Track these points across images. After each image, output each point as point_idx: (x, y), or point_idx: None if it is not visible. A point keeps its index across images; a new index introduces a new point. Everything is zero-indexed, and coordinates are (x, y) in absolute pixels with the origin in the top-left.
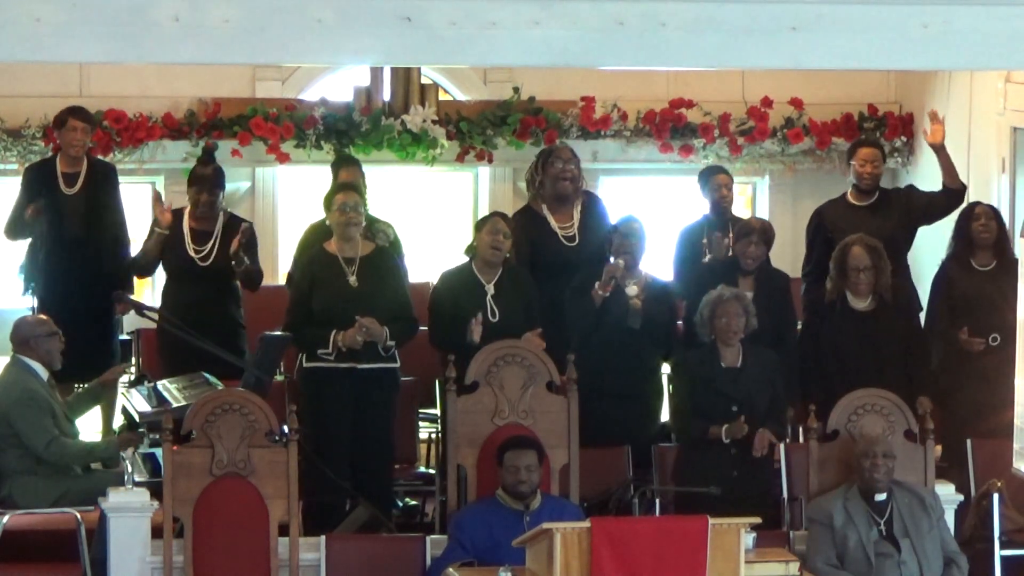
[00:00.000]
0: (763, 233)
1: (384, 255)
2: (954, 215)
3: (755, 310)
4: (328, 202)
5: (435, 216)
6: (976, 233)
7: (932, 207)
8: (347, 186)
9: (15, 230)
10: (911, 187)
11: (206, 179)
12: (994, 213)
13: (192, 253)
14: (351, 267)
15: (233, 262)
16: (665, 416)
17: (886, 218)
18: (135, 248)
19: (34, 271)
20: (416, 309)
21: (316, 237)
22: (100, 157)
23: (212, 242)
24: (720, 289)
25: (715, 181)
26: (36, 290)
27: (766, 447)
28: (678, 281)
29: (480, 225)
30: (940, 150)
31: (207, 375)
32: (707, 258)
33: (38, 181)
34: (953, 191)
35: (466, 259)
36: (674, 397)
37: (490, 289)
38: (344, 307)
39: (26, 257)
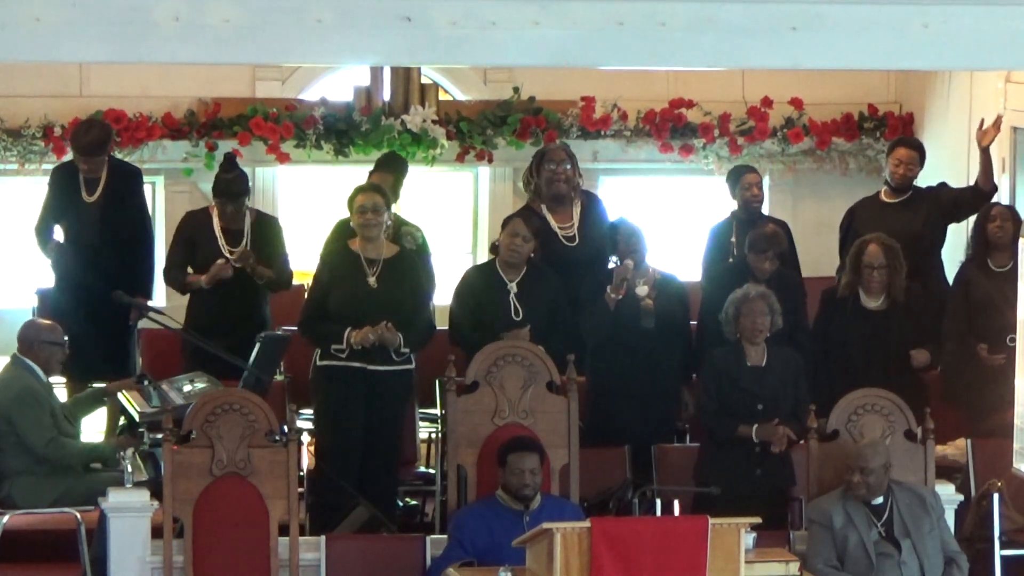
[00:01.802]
0: (778, 247)
1: (408, 259)
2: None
3: (780, 309)
4: (350, 202)
5: (435, 216)
6: (992, 234)
7: (959, 204)
8: (369, 187)
9: (42, 238)
10: (943, 184)
11: (230, 190)
12: (1011, 214)
13: (227, 254)
14: (373, 268)
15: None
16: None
17: (914, 214)
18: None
19: (56, 272)
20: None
21: (342, 234)
22: (123, 160)
23: (244, 243)
24: (746, 288)
25: (745, 180)
26: (55, 291)
27: (784, 443)
28: (706, 279)
29: (504, 225)
30: (984, 150)
31: (208, 375)
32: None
33: (62, 184)
34: (982, 191)
35: (490, 257)
36: (700, 395)
37: (513, 287)
38: (361, 307)
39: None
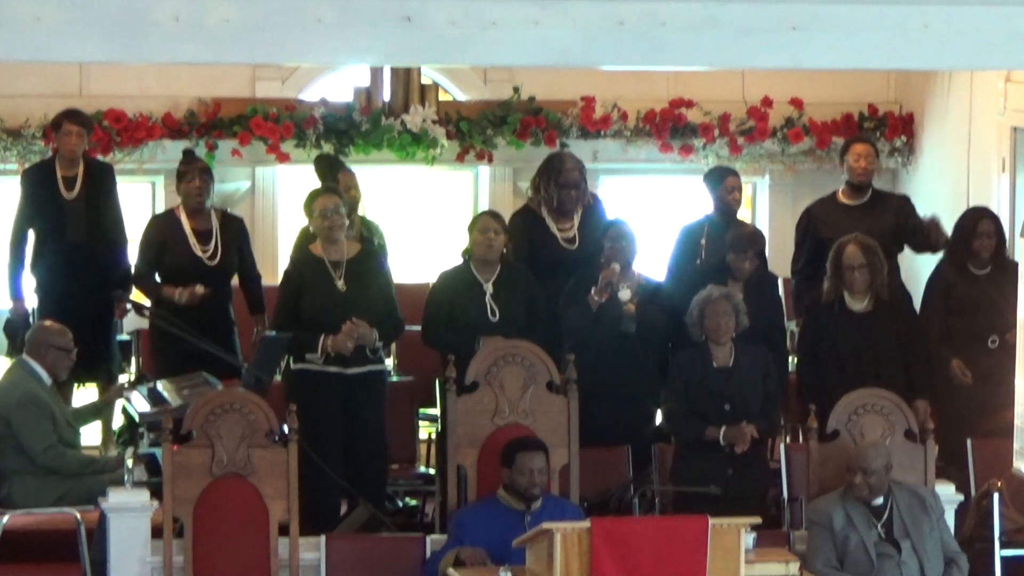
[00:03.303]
0: (758, 246)
1: (370, 256)
2: (954, 216)
3: (745, 308)
4: (309, 207)
5: (435, 216)
6: (975, 249)
7: (913, 238)
8: (326, 189)
9: (17, 250)
10: (907, 200)
11: (193, 169)
12: (995, 229)
13: (199, 253)
14: (338, 271)
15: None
16: (659, 418)
17: (877, 219)
18: (132, 248)
19: (36, 273)
20: (413, 309)
21: (307, 239)
22: (97, 157)
23: (214, 241)
24: (709, 289)
25: (728, 183)
26: (37, 293)
27: (748, 442)
28: (671, 278)
29: (472, 226)
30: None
31: (207, 375)
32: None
33: (37, 184)
34: (931, 245)
35: (463, 261)
36: (668, 397)
37: (488, 288)
38: (333, 311)
39: (31, 260)
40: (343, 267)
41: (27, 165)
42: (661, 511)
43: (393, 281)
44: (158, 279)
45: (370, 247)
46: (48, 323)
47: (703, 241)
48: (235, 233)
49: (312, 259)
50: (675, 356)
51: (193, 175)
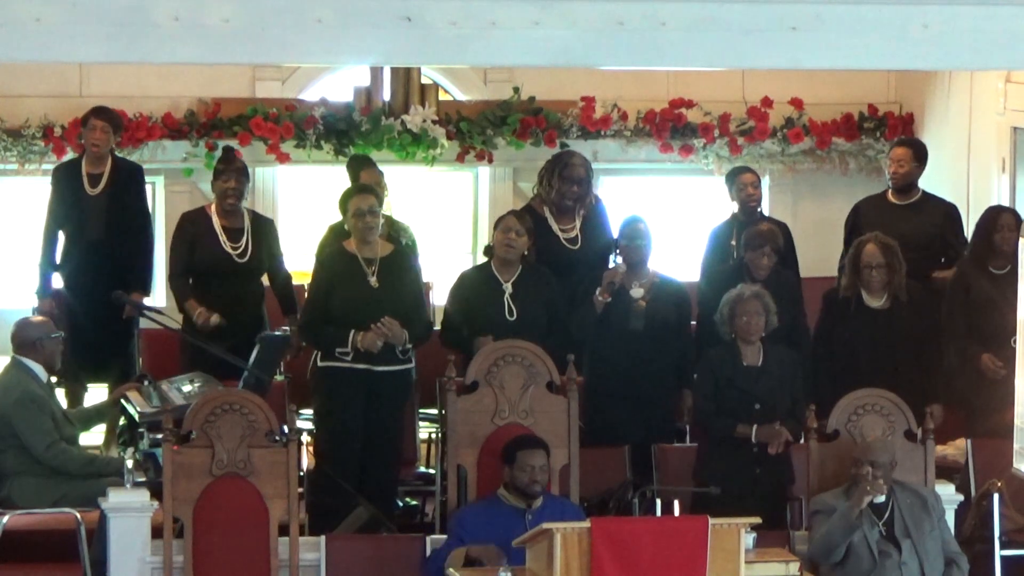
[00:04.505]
0: (774, 242)
1: (402, 256)
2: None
3: (775, 308)
4: (344, 205)
5: (435, 216)
6: (997, 243)
7: (945, 252)
8: (362, 188)
9: (47, 253)
10: (955, 209)
11: (233, 169)
12: (1016, 223)
13: (229, 250)
14: (371, 267)
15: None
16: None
17: (924, 218)
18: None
19: (62, 271)
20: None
21: (338, 236)
22: (126, 157)
23: (245, 239)
24: (740, 288)
25: (740, 180)
26: (63, 291)
27: (782, 444)
28: (705, 280)
29: (496, 224)
30: None
31: (207, 375)
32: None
33: (64, 181)
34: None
35: (485, 259)
36: (697, 396)
37: (508, 287)
38: (364, 307)
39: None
40: (376, 264)
41: (28, 165)
42: (678, 511)
43: (423, 282)
44: (190, 282)
45: (401, 247)
46: (29, 318)
47: (733, 241)
48: (265, 233)
49: (345, 255)
50: (705, 354)
51: (229, 175)
